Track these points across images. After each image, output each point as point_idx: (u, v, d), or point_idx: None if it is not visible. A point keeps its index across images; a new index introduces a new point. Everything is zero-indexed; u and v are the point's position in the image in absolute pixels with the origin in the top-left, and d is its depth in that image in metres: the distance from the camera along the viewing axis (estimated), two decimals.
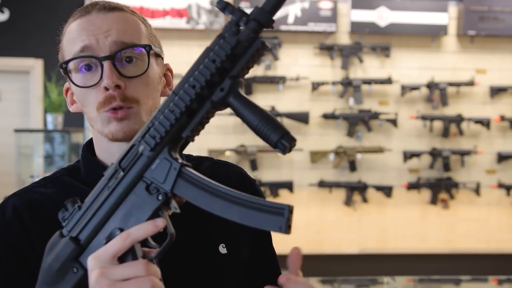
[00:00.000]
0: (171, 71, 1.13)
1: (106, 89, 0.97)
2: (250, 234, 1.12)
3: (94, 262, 0.83)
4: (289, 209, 0.82)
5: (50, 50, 5.07)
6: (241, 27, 0.83)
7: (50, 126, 4.56)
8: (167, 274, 0.91)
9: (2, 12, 4.87)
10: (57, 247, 0.89)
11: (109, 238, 0.86)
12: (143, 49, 1.01)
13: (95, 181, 1.02)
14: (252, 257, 1.14)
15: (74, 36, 1.01)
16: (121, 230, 0.86)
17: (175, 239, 0.86)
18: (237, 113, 0.83)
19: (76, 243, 0.87)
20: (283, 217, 0.82)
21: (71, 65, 1.01)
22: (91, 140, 1.11)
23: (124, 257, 0.84)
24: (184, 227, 0.97)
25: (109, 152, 1.05)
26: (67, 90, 1.08)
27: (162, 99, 1.04)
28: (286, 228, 0.82)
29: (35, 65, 4.89)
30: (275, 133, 0.80)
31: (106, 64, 0.97)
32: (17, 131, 4.55)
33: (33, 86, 4.91)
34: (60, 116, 4.55)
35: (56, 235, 0.90)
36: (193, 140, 0.88)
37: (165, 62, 1.11)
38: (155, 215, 0.86)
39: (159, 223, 0.84)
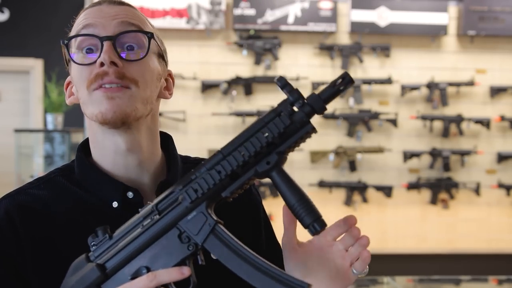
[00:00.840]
0: (172, 78, 1.13)
1: (101, 65, 0.96)
2: (261, 236, 1.15)
3: None
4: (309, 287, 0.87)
5: (50, 50, 5.11)
6: (295, 108, 0.90)
7: (50, 126, 4.56)
8: None
9: (2, 12, 4.87)
10: (83, 270, 0.91)
11: (135, 275, 0.90)
12: (144, 36, 1.01)
13: (87, 183, 1.04)
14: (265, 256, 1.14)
15: (82, 20, 1.02)
16: (147, 269, 0.90)
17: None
18: (277, 187, 0.91)
19: (102, 271, 0.90)
20: None
21: (73, 45, 1.02)
22: (86, 140, 1.10)
23: None
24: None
25: (103, 147, 1.04)
26: (68, 84, 1.08)
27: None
28: None
29: (35, 65, 4.89)
30: (309, 216, 0.88)
31: (106, 43, 0.97)
32: (17, 131, 4.55)
33: (33, 86, 4.91)
34: (60, 116, 4.55)
35: (82, 257, 0.92)
36: (230, 200, 0.93)
37: (168, 71, 1.12)
38: (182, 262, 0.90)
39: (185, 272, 0.87)
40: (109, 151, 1.04)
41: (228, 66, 4.91)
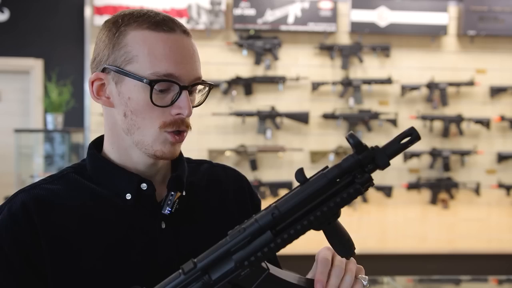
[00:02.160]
0: None
1: (178, 114, 1.04)
2: None
3: None
4: None
5: (50, 50, 5.10)
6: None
7: (50, 126, 4.56)
8: (171, 272, 0.95)
9: (2, 12, 4.87)
10: None
11: None
12: (206, 85, 1.10)
13: (101, 178, 1.09)
14: None
15: (160, 53, 1.03)
16: None
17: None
18: (330, 241, 0.96)
19: None
20: None
21: (149, 79, 1.03)
22: (99, 139, 1.16)
23: None
24: (188, 225, 1.09)
25: (128, 157, 1.10)
26: (98, 80, 1.08)
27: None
28: None
29: (35, 65, 4.89)
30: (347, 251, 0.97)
31: (184, 93, 1.04)
32: (17, 131, 4.55)
33: (33, 86, 4.91)
34: (60, 116, 4.55)
35: None
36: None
37: None
38: None
39: None
40: (135, 162, 1.10)
41: (228, 66, 4.91)
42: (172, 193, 1.08)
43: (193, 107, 1.08)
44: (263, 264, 0.93)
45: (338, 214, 0.94)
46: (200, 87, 1.09)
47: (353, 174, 0.92)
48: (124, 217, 1.07)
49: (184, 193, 1.12)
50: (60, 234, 1.02)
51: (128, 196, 1.08)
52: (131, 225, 1.07)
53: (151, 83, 1.02)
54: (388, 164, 0.91)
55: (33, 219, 1.01)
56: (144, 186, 1.08)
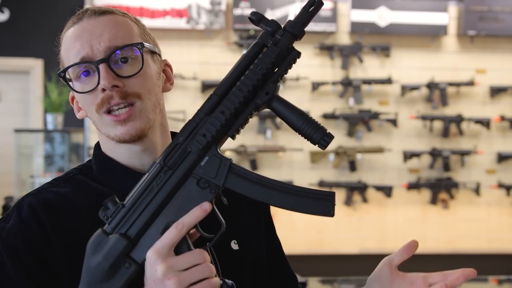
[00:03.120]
0: (170, 66, 1.14)
1: (103, 90, 0.99)
2: (262, 233, 1.18)
3: (155, 255, 0.88)
4: (335, 195, 0.93)
5: (50, 50, 5.06)
6: (277, 37, 0.94)
7: (50, 126, 4.56)
8: None
9: (2, 12, 4.87)
10: (106, 245, 0.91)
11: (164, 232, 0.90)
12: (135, 48, 1.03)
13: (107, 179, 1.07)
14: (266, 256, 1.18)
15: (69, 46, 1.03)
16: (174, 221, 0.91)
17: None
18: (280, 115, 0.95)
19: (127, 239, 0.90)
20: (331, 202, 0.93)
21: (70, 73, 1.03)
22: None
23: (179, 248, 0.89)
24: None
25: (116, 153, 1.07)
26: (72, 99, 1.10)
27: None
28: (333, 212, 0.93)
29: (35, 65, 4.89)
30: (318, 133, 0.92)
31: (101, 67, 0.99)
32: (17, 131, 4.55)
33: (33, 86, 4.91)
34: (60, 116, 4.55)
35: (98, 233, 0.93)
36: (234, 139, 0.96)
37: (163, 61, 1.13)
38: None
39: (207, 207, 0.90)
40: (123, 156, 1.07)
41: (228, 66, 4.84)
42: None
43: (130, 75, 1.01)
44: (226, 156, 0.94)
45: (276, 87, 0.96)
46: (133, 55, 1.02)
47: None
48: None
49: None
50: (71, 236, 1.01)
51: None
52: None
53: (60, 74, 1.03)
54: (303, 33, 0.97)
55: (43, 223, 1.00)
56: None
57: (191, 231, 0.94)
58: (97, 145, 1.12)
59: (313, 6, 0.96)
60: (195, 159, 0.93)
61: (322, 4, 0.97)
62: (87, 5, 4.80)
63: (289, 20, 0.95)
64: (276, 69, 0.95)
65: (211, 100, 0.93)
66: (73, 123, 4.82)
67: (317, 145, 0.93)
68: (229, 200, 1.07)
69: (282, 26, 0.95)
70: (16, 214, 1.02)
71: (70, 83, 1.03)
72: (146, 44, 1.04)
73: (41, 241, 0.99)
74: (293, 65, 0.98)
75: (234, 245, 1.10)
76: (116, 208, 0.92)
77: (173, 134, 1.15)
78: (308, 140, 0.93)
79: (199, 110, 0.94)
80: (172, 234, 0.89)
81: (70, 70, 1.02)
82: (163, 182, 0.92)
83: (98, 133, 1.08)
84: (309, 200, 0.93)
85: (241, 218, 1.14)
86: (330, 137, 0.93)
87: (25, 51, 4.89)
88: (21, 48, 4.89)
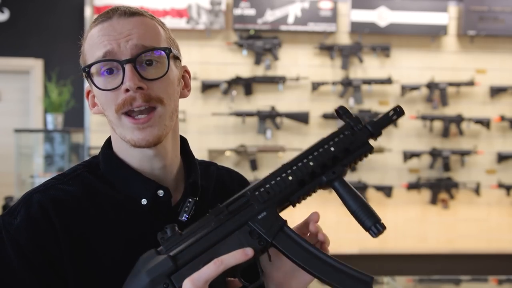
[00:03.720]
0: (188, 73, 1.17)
1: (127, 91, 1.00)
2: None
3: (190, 284, 0.92)
4: (372, 281, 0.99)
5: (50, 50, 5.10)
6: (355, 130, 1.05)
7: (50, 126, 4.56)
8: None
9: (2, 12, 4.87)
10: (154, 260, 0.97)
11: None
12: (162, 52, 1.04)
13: (115, 179, 1.08)
14: None
15: (96, 42, 1.03)
16: None
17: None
18: (340, 195, 1.03)
19: (174, 262, 0.96)
20: (368, 286, 0.99)
21: (93, 69, 1.03)
22: (110, 138, 1.14)
23: (215, 284, 0.95)
24: None
25: (128, 154, 1.09)
26: (88, 93, 1.11)
27: (181, 101, 1.10)
28: None
29: (35, 65, 4.89)
30: (370, 219, 1.00)
31: (127, 67, 1.00)
32: (17, 131, 4.55)
33: (33, 86, 4.91)
34: (60, 116, 4.55)
35: (152, 251, 0.98)
36: (294, 206, 1.04)
37: (183, 67, 1.16)
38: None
39: (249, 252, 0.95)
40: (134, 159, 1.08)
41: (228, 66, 4.91)
42: (190, 199, 1.06)
43: (155, 79, 1.02)
44: (283, 218, 1.00)
45: (343, 171, 1.03)
46: (158, 58, 1.04)
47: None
48: (140, 220, 1.07)
49: (197, 198, 1.11)
50: (78, 237, 1.02)
51: (144, 202, 1.07)
52: (147, 228, 1.06)
53: (85, 69, 1.03)
54: (380, 133, 1.05)
55: (52, 220, 1.01)
56: (161, 193, 1.08)
57: (233, 279, 0.98)
58: (107, 144, 1.13)
59: (395, 114, 1.06)
60: (254, 212, 0.99)
61: (403, 113, 1.06)
62: (87, 5, 4.80)
63: (371, 120, 1.05)
64: (350, 156, 1.04)
65: (283, 168, 1.03)
66: (73, 123, 4.82)
67: (368, 232, 0.99)
68: (221, 200, 1.10)
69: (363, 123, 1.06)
70: (24, 210, 1.02)
71: (92, 78, 1.04)
72: (172, 50, 1.06)
73: (49, 239, 1.00)
74: (364, 158, 1.06)
75: None
76: (173, 234, 0.98)
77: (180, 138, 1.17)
78: (360, 224, 1.00)
79: (270, 174, 1.03)
80: (210, 269, 0.92)
81: (93, 66, 1.03)
82: (221, 223, 0.99)
83: (111, 132, 1.08)
84: (348, 278, 0.98)
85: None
86: (383, 227, 0.99)
87: (25, 51, 4.89)
88: (21, 48, 4.89)
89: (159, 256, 0.96)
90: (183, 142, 1.18)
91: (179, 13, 4.81)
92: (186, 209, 1.06)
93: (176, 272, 0.95)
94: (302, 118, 4.86)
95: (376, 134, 1.05)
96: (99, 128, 4.77)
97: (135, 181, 1.07)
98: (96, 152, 4.73)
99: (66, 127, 4.67)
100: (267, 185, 1.01)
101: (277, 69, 4.95)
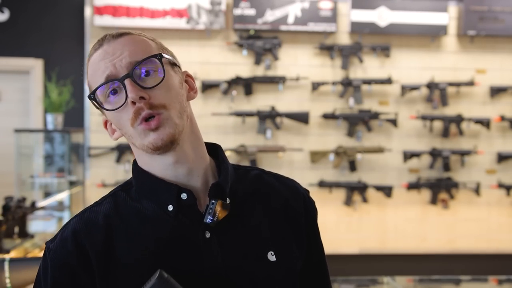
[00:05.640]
0: (191, 76, 1.19)
1: (134, 103, 1.05)
2: (302, 243, 1.19)
3: None
4: None
5: (50, 50, 5.09)
6: None
7: (50, 126, 4.56)
8: (216, 282, 1.02)
9: (2, 12, 4.87)
10: None
11: None
12: (155, 60, 1.08)
13: (145, 191, 1.13)
14: (305, 269, 1.19)
15: (95, 69, 1.09)
16: None
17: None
18: None
19: None
20: None
21: (100, 97, 1.08)
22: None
23: None
24: (233, 234, 1.08)
25: (151, 166, 1.12)
26: (106, 123, 1.15)
27: (196, 102, 1.12)
28: None
29: (35, 65, 4.89)
30: None
31: (127, 82, 1.05)
32: (17, 131, 4.55)
33: (33, 86, 4.91)
34: (60, 116, 4.55)
35: None
36: None
37: (184, 72, 1.19)
38: None
39: None
40: (158, 168, 1.11)
41: (228, 66, 4.91)
42: (213, 201, 1.07)
43: (154, 86, 1.06)
44: None
45: None
46: (154, 67, 1.08)
47: None
48: (168, 230, 1.08)
49: (228, 201, 1.11)
50: (108, 251, 1.07)
51: (170, 208, 1.09)
52: (175, 236, 1.08)
53: (90, 96, 1.09)
54: None
55: (82, 242, 1.07)
56: (184, 196, 1.09)
57: None
58: (135, 160, 1.17)
59: None
60: None
61: None
62: (87, 5, 4.81)
63: None
64: None
65: None
66: (73, 123, 4.82)
67: None
68: (265, 208, 1.12)
69: None
70: (60, 234, 1.10)
71: (102, 105, 1.09)
72: (164, 55, 1.10)
73: (75, 260, 1.06)
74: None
75: (271, 256, 1.11)
76: None
77: (209, 145, 1.21)
78: None
79: None
80: None
81: (99, 93, 1.08)
82: None
83: (134, 148, 1.13)
84: None
85: (278, 227, 1.15)
86: None
87: (25, 51, 4.89)
88: (21, 48, 4.89)
89: None
90: (216, 149, 1.21)
91: (179, 13, 4.81)
92: (210, 211, 1.06)
93: None
94: (302, 118, 4.86)
95: None
96: (99, 128, 4.77)
97: (160, 188, 1.10)
98: (96, 152, 4.71)
99: (66, 127, 4.67)
100: None
101: (277, 69, 4.95)
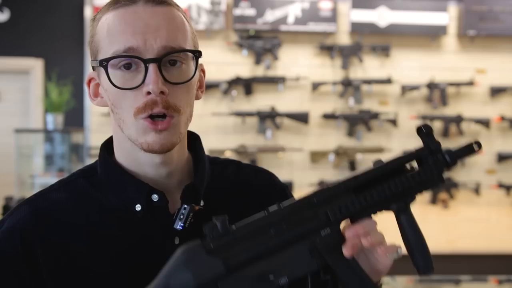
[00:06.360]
0: (204, 72, 1.09)
1: (148, 93, 0.91)
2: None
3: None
4: None
5: (50, 50, 5.09)
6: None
7: (50, 126, 4.56)
8: None
9: (2, 12, 4.87)
10: (202, 263, 0.84)
11: (260, 279, 0.86)
12: (192, 56, 0.96)
13: (110, 184, 0.99)
14: None
15: (117, 30, 0.92)
16: (274, 275, 0.86)
17: None
18: (401, 226, 1.02)
19: (226, 268, 0.84)
20: None
21: (109, 64, 0.93)
22: (110, 139, 1.04)
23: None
24: None
25: (132, 159, 0.99)
26: (90, 80, 1.00)
27: (196, 102, 1.00)
28: None
29: (35, 65, 4.89)
30: (424, 260, 0.99)
31: (151, 67, 0.90)
32: (17, 131, 4.55)
33: (33, 86, 4.91)
34: (60, 116, 4.55)
35: (198, 246, 0.85)
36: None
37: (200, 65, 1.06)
38: (306, 276, 0.89)
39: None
40: (136, 162, 0.99)
41: (228, 66, 4.91)
42: (185, 206, 0.95)
43: (178, 83, 0.93)
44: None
45: (413, 196, 0.98)
46: (184, 59, 0.94)
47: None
48: (133, 231, 0.97)
49: (202, 204, 0.99)
50: (62, 250, 0.95)
51: (138, 208, 0.97)
52: (140, 240, 0.96)
53: (102, 62, 0.92)
54: (455, 163, 0.98)
55: (31, 235, 0.95)
56: (155, 197, 0.96)
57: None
58: (105, 145, 1.03)
59: (476, 148, 0.98)
60: (318, 226, 0.89)
61: (480, 148, 0.98)
62: (87, 5, 4.80)
63: (449, 150, 0.97)
64: (422, 187, 0.98)
65: (357, 180, 0.92)
66: (73, 123, 4.82)
67: (416, 268, 0.98)
68: (243, 207, 0.99)
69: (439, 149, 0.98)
70: (7, 222, 0.97)
71: (108, 71, 0.93)
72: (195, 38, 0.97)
73: (21, 256, 0.94)
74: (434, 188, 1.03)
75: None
76: (224, 231, 0.85)
77: (192, 135, 1.07)
78: (411, 258, 1.00)
79: (341, 183, 0.92)
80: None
81: (111, 60, 0.92)
82: (282, 232, 0.87)
83: (117, 131, 0.98)
84: None
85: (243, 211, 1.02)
86: (431, 271, 0.97)
87: (25, 51, 4.89)
88: (21, 48, 4.89)
89: (208, 256, 0.84)
90: (194, 139, 1.07)
91: None
92: (181, 216, 0.95)
93: (224, 279, 0.84)
94: (302, 118, 4.86)
95: (451, 166, 0.97)
96: (99, 128, 4.77)
97: (129, 185, 0.98)
98: (96, 152, 4.72)
99: (66, 127, 4.67)
100: (339, 200, 0.91)
101: (277, 69, 4.95)
